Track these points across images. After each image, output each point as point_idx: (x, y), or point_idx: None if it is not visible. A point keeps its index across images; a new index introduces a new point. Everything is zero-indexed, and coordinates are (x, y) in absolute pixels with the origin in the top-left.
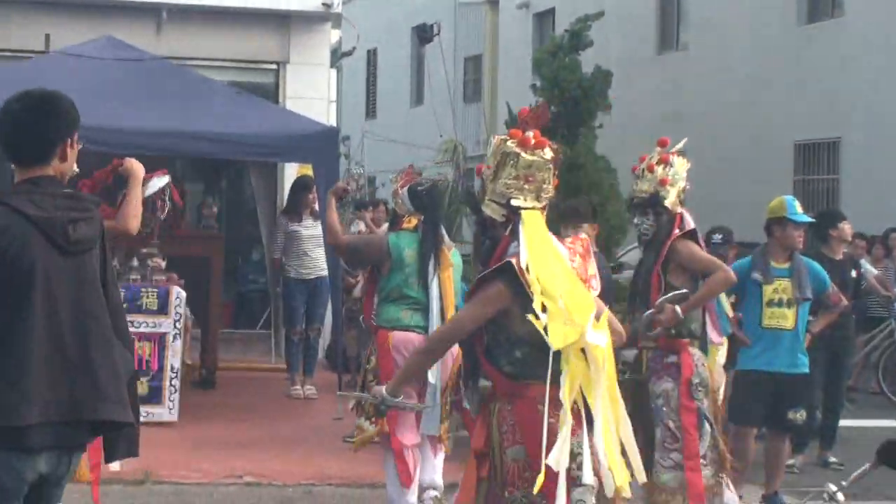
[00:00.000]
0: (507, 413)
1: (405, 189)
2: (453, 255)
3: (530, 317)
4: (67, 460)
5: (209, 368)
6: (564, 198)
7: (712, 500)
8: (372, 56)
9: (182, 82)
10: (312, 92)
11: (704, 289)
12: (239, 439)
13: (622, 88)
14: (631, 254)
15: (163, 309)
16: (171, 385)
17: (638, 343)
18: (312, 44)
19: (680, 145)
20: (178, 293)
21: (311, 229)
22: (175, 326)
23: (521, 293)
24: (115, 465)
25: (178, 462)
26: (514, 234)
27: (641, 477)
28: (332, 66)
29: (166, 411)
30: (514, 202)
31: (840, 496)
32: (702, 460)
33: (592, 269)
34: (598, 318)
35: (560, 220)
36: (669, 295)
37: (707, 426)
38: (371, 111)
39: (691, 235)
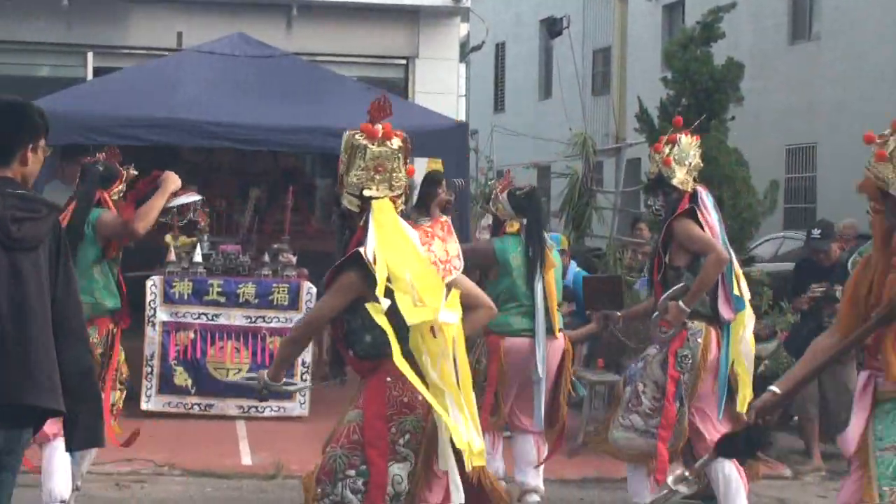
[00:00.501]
0: (362, 386)
1: (504, 194)
2: (553, 256)
3: (369, 305)
4: (16, 436)
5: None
6: None
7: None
8: (500, 49)
9: (312, 78)
10: (441, 86)
11: (700, 276)
12: None
13: (754, 80)
14: (763, 247)
15: (293, 304)
16: (302, 380)
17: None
18: (441, 38)
19: (697, 123)
20: (309, 288)
21: None
22: None
23: (372, 281)
24: (246, 460)
25: (309, 456)
26: (367, 224)
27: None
28: (461, 60)
29: (297, 406)
30: (366, 192)
31: (687, 484)
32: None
33: (454, 249)
34: (450, 295)
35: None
36: (669, 292)
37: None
38: (499, 105)
39: (690, 214)
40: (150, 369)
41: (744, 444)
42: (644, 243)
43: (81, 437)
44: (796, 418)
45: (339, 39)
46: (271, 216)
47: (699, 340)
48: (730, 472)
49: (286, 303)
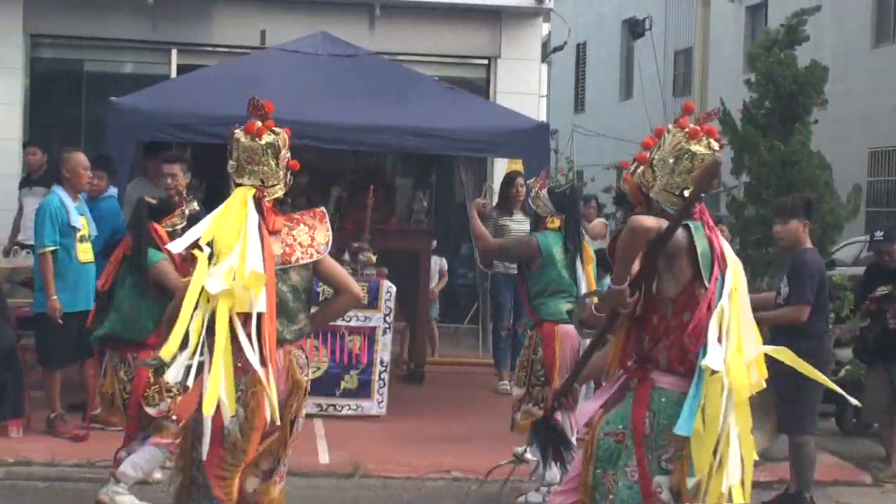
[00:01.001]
0: None
1: (544, 191)
2: (591, 250)
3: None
4: None
5: (417, 363)
6: (778, 194)
7: None
8: (581, 50)
9: (394, 78)
10: (523, 87)
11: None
12: (446, 434)
13: (837, 83)
14: (845, 250)
15: (373, 303)
16: (380, 379)
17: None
18: (523, 39)
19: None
20: (389, 287)
21: (521, 224)
22: (385, 320)
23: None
24: (324, 458)
25: (387, 456)
26: None
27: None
28: (542, 60)
29: (375, 405)
30: (237, 181)
31: (528, 455)
32: None
33: (321, 237)
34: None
35: (773, 216)
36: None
37: None
38: (579, 105)
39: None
40: None
41: (544, 428)
42: None
43: (9, 408)
44: (876, 425)
45: (421, 39)
46: (352, 215)
47: None
48: None
49: (366, 302)
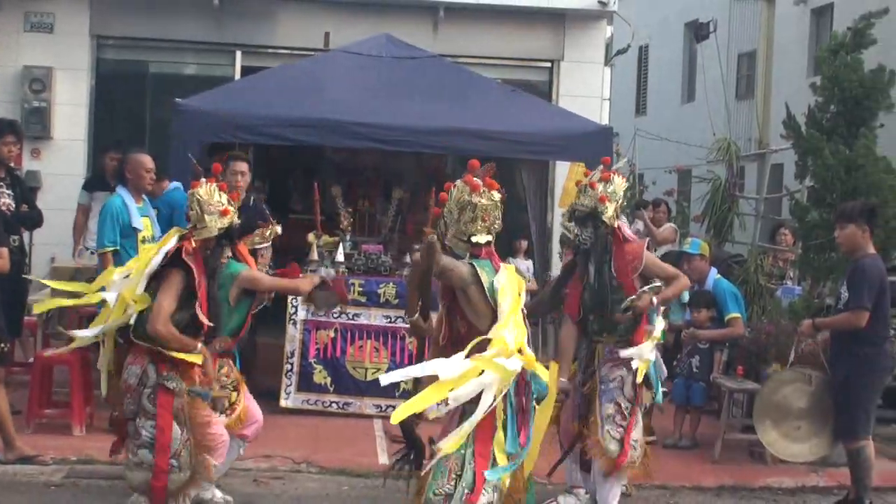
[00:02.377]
0: None
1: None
2: None
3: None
4: None
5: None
6: (842, 199)
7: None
8: (643, 52)
9: (457, 80)
10: (586, 90)
11: (671, 289)
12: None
13: None
14: None
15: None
16: None
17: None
18: (587, 41)
19: (620, 164)
20: None
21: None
22: None
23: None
24: (383, 459)
25: None
26: None
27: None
28: (605, 63)
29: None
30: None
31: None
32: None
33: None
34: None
35: (834, 221)
36: (647, 287)
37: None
38: (641, 108)
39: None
40: (290, 367)
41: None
42: (786, 250)
43: None
44: None
45: (484, 42)
46: (413, 217)
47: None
48: None
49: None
